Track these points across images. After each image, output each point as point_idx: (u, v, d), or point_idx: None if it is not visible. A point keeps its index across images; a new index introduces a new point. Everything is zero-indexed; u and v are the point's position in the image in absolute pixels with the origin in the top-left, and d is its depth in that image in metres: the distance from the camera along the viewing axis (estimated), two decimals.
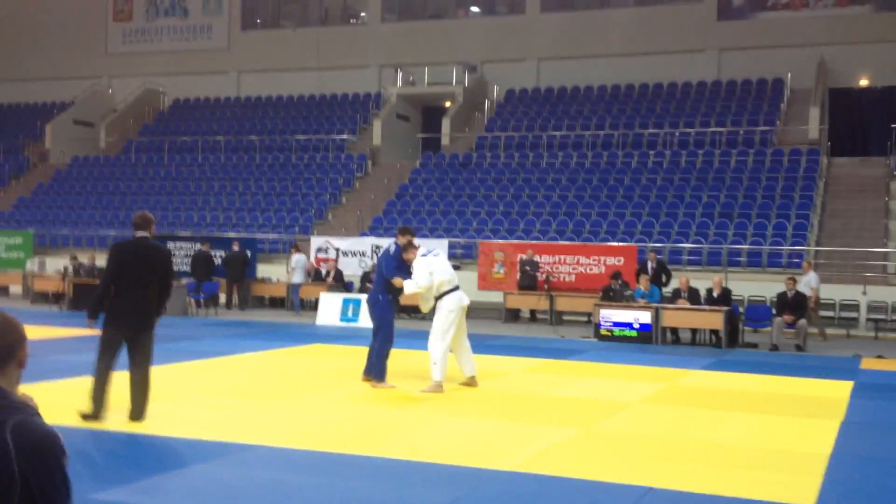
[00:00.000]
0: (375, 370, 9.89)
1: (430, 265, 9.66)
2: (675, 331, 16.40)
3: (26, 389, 2.72)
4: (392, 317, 10.13)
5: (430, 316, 10.42)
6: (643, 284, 16.67)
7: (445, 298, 9.72)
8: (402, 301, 11.30)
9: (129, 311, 7.45)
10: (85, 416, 7.42)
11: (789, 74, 26.83)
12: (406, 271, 9.83)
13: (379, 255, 11.38)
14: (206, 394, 9.18)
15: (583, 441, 7.44)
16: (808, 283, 17.24)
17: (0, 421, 2.44)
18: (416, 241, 10.40)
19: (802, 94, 26.32)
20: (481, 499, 5.61)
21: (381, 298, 10.00)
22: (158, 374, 10.44)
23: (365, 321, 17.47)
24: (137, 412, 7.59)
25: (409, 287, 9.70)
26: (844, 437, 7.85)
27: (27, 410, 2.52)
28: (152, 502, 5.32)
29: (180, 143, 31.58)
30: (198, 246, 21.33)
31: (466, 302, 9.93)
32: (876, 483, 6.37)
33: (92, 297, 7.78)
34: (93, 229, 26.60)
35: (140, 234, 7.66)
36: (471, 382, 9.99)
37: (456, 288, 9.84)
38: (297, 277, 20.31)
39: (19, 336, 2.63)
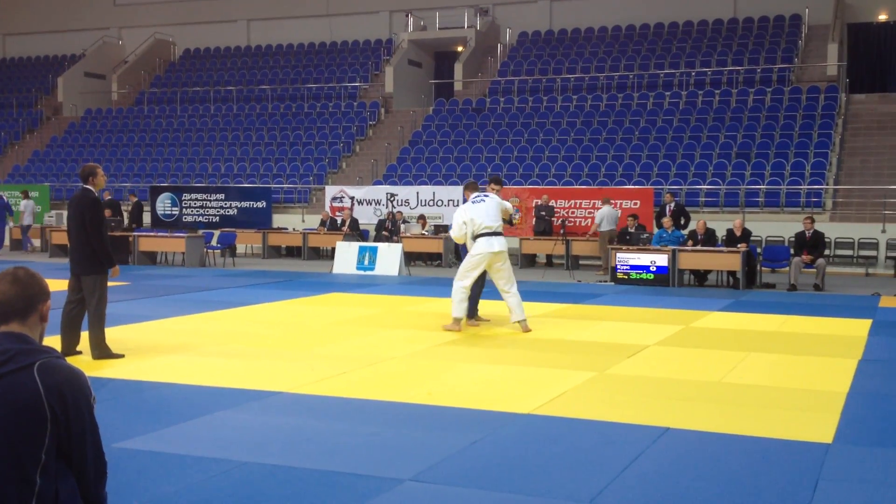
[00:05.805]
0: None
1: (466, 212, 10.15)
2: (696, 273, 16.35)
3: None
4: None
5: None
6: (667, 225, 16.60)
7: (476, 242, 10.11)
8: None
9: (70, 255, 8.39)
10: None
11: (807, 10, 26.35)
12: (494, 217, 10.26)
13: None
14: (225, 343, 9.26)
15: (599, 384, 7.48)
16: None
17: (28, 363, 2.52)
18: (497, 188, 10.64)
19: (820, 31, 25.86)
20: (499, 441, 5.67)
21: None
22: (178, 324, 10.58)
23: (381, 269, 17.65)
24: (91, 350, 8.20)
25: (451, 233, 10.56)
26: (862, 376, 7.86)
27: (52, 352, 2.60)
28: (177, 449, 5.40)
29: (192, 94, 31.46)
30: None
31: (496, 248, 10.09)
32: (893, 420, 6.38)
33: None
34: (108, 181, 26.66)
35: (84, 186, 8.32)
36: (520, 327, 10.14)
37: (493, 233, 10.07)
38: (26, 220, 23.06)
39: (41, 290, 2.67)
